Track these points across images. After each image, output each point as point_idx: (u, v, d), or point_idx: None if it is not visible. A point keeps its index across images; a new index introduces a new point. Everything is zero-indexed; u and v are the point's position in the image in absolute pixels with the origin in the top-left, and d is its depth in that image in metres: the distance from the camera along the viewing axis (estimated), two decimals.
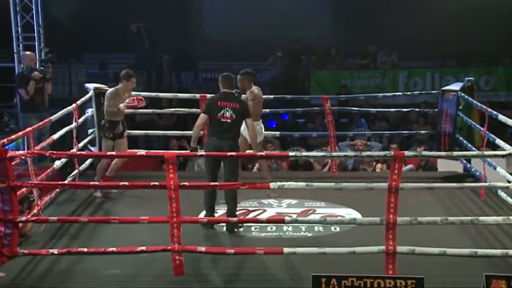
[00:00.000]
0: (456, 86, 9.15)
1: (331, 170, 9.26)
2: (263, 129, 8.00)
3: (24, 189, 6.35)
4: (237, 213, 7.01)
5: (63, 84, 14.40)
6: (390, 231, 5.63)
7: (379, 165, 9.91)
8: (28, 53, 9.65)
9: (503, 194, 7.35)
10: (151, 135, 10.41)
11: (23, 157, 6.04)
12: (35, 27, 10.39)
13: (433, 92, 10.48)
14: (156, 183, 5.74)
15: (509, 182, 7.01)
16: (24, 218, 5.90)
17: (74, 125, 7.96)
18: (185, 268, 5.66)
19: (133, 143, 10.16)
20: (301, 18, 15.24)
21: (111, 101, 7.87)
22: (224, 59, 14.67)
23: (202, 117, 6.88)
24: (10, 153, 5.63)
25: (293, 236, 6.74)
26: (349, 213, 7.34)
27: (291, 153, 6.83)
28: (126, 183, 5.99)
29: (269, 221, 6.60)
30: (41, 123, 7.38)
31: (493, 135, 7.57)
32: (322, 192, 7.57)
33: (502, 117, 7.15)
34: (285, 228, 6.87)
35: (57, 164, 7.63)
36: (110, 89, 8.03)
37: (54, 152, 5.98)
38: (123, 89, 7.96)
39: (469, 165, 8.69)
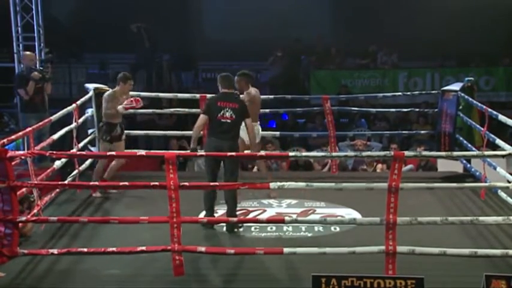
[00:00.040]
0: (456, 86, 9.16)
1: (331, 170, 9.26)
2: (260, 131, 8.00)
3: (24, 189, 6.35)
4: (237, 213, 7.01)
5: (63, 84, 14.40)
6: (390, 231, 5.63)
7: (379, 166, 9.91)
8: (28, 53, 9.65)
9: (503, 194, 7.35)
10: (151, 135, 10.42)
11: (23, 157, 6.04)
12: (35, 27, 10.39)
13: (433, 92, 10.48)
14: (156, 183, 5.74)
15: (509, 182, 7.01)
16: (24, 218, 5.90)
17: (74, 125, 7.96)
18: (185, 268, 5.66)
19: (133, 143, 10.17)
20: (301, 18, 15.24)
21: (109, 104, 7.88)
22: (224, 59, 14.67)
23: (202, 118, 6.88)
24: (10, 153, 5.63)
25: (293, 236, 6.74)
26: (349, 213, 7.34)
27: (291, 153, 6.84)
28: (126, 183, 5.99)
29: (269, 221, 6.59)
30: (41, 123, 7.38)
31: (493, 135, 7.57)
32: (322, 192, 7.56)
33: (502, 117, 7.15)
34: (285, 228, 6.87)
35: (57, 164, 7.63)
36: (108, 92, 8.04)
37: (54, 152, 5.99)
38: (121, 92, 7.96)
39: (469, 165, 8.69)
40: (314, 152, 10.01)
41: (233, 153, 6.41)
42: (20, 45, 10.44)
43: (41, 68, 9.56)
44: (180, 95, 10.01)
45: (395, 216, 5.62)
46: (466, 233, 6.59)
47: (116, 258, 5.88)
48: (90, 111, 8.66)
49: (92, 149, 8.52)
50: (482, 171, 7.81)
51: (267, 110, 9.60)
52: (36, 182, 6.57)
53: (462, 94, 8.83)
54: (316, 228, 6.88)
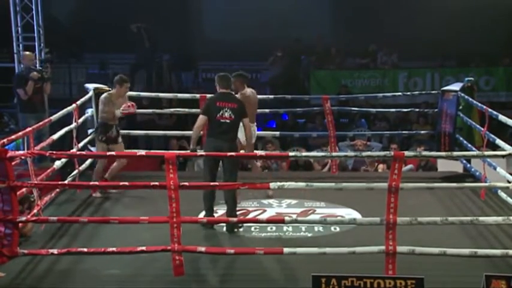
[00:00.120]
0: (456, 86, 9.16)
1: (331, 170, 9.26)
2: (256, 132, 7.99)
3: (24, 189, 6.35)
4: (237, 213, 7.01)
5: (63, 84, 14.39)
6: (390, 231, 5.63)
7: (381, 166, 9.90)
8: (27, 53, 9.64)
9: (503, 194, 7.35)
10: (151, 135, 10.42)
11: (23, 157, 6.04)
12: (35, 27, 10.38)
13: (433, 92, 10.48)
14: (156, 183, 5.74)
15: (509, 182, 7.01)
16: (24, 218, 5.90)
17: (73, 125, 7.97)
18: (185, 268, 5.66)
19: (133, 143, 10.19)
20: (301, 18, 15.23)
21: (105, 107, 7.88)
22: (224, 59, 14.67)
23: (202, 118, 6.88)
24: (10, 153, 5.63)
25: (293, 236, 6.74)
26: (349, 214, 7.34)
27: (291, 153, 6.84)
28: (126, 183, 6.00)
29: (269, 221, 6.59)
30: (40, 123, 7.38)
31: (493, 136, 7.57)
32: (322, 192, 7.57)
33: (502, 118, 7.15)
34: (285, 228, 6.87)
35: (57, 164, 7.63)
36: (104, 94, 8.02)
37: (54, 152, 5.99)
38: (117, 95, 7.96)
39: (469, 165, 8.69)
40: (314, 152, 10.01)
41: (233, 154, 6.41)
42: (20, 45, 10.43)
43: (40, 68, 9.55)
44: (180, 95, 10.02)
45: (396, 216, 5.62)
46: (466, 233, 6.59)
47: (116, 258, 5.88)
48: (90, 111, 8.67)
49: (92, 149, 8.51)
50: (482, 171, 7.81)
51: (267, 110, 9.61)
52: (36, 182, 6.57)
53: (462, 94, 8.83)
54: (316, 228, 6.88)
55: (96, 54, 15.34)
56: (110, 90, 8.16)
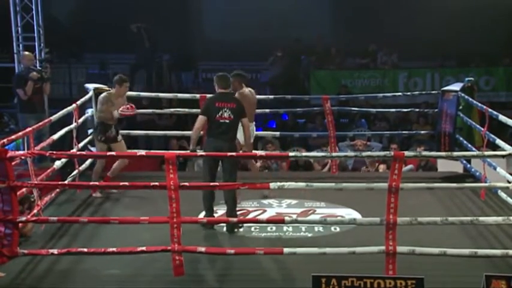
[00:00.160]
0: (456, 86, 9.16)
1: (331, 170, 9.26)
2: (254, 131, 7.99)
3: (24, 190, 6.35)
4: (237, 213, 7.01)
5: (63, 84, 14.40)
6: (390, 231, 5.63)
7: (381, 166, 9.90)
8: (27, 53, 9.64)
9: (503, 194, 7.35)
10: (151, 135, 10.41)
11: (23, 157, 6.04)
12: (35, 27, 10.38)
13: (433, 92, 10.48)
14: (156, 183, 5.74)
15: (509, 182, 7.01)
16: (24, 218, 5.90)
17: (73, 125, 7.97)
18: (185, 268, 5.66)
19: (133, 143, 10.17)
20: (301, 18, 15.24)
21: (103, 106, 7.86)
22: (224, 59, 14.66)
23: (201, 119, 6.88)
24: (10, 154, 5.63)
25: (293, 236, 6.74)
26: (349, 214, 7.34)
27: (291, 154, 6.85)
28: (126, 183, 5.99)
29: (269, 221, 6.59)
30: (40, 123, 7.38)
31: (493, 136, 7.57)
32: (322, 192, 7.56)
33: (502, 118, 7.15)
34: (285, 228, 6.87)
35: (57, 164, 7.63)
36: (103, 94, 8.01)
37: (54, 152, 5.99)
38: (116, 94, 7.95)
39: (469, 165, 8.69)
40: (314, 152, 10.02)
41: (233, 154, 6.41)
42: (20, 45, 10.43)
43: (40, 68, 9.55)
44: (180, 95, 10.01)
45: (396, 216, 5.62)
46: (466, 233, 6.59)
47: (116, 258, 5.88)
48: (90, 112, 8.66)
49: (92, 149, 8.51)
50: (482, 172, 7.81)
51: (267, 110, 9.61)
52: (36, 182, 6.57)
53: (462, 94, 8.83)
54: (316, 229, 6.88)
55: (96, 54, 15.34)
56: (109, 90, 8.15)
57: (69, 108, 7.91)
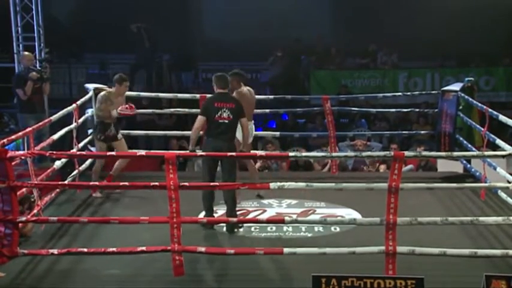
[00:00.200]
0: (456, 86, 9.16)
1: (331, 170, 9.25)
2: (254, 130, 7.99)
3: (24, 190, 6.35)
4: (237, 213, 7.01)
5: (63, 85, 14.41)
6: (390, 231, 5.63)
7: (382, 166, 9.90)
8: (26, 53, 9.65)
9: (503, 195, 7.35)
10: (151, 135, 10.42)
11: (23, 157, 6.04)
12: (35, 27, 10.38)
13: (433, 92, 10.48)
14: (156, 183, 5.73)
15: (509, 182, 7.01)
16: (24, 218, 5.90)
17: (74, 125, 7.97)
18: (185, 268, 5.66)
19: (133, 143, 10.17)
20: (301, 18, 15.24)
21: (102, 105, 7.86)
22: (224, 59, 14.66)
23: (200, 119, 6.88)
24: (10, 154, 5.63)
25: (293, 236, 6.74)
26: (349, 214, 7.34)
27: (291, 154, 6.85)
28: (126, 183, 5.99)
29: (269, 221, 6.59)
30: (40, 123, 7.38)
31: (493, 136, 7.57)
32: (322, 192, 7.56)
33: (502, 118, 7.15)
34: (285, 228, 6.87)
35: (57, 164, 7.63)
36: (102, 92, 8.01)
37: (54, 152, 5.99)
38: (116, 93, 7.94)
39: (469, 165, 8.69)
40: (314, 152, 10.02)
41: (233, 154, 6.41)
42: (20, 45, 10.43)
43: (39, 68, 9.54)
44: (180, 95, 10.01)
45: (396, 216, 5.62)
46: (466, 233, 6.59)
47: (116, 258, 5.88)
48: (90, 112, 8.66)
49: (92, 149, 8.51)
50: (482, 172, 7.81)
51: (267, 110, 9.61)
52: (36, 182, 6.57)
53: (462, 94, 8.83)
54: (316, 229, 6.88)
55: (96, 54, 15.35)
56: (103, 92, 8.13)
57: (69, 108, 7.90)
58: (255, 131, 8.56)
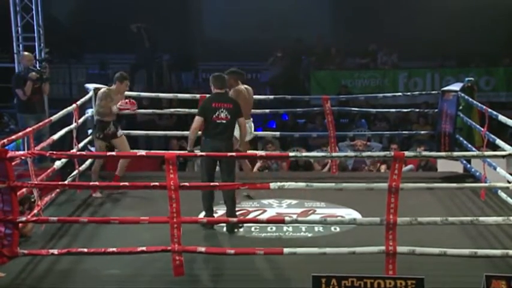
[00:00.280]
0: (456, 87, 9.16)
1: (331, 171, 9.25)
2: (252, 129, 7.98)
3: (24, 190, 6.35)
4: (237, 213, 7.01)
5: (63, 85, 14.41)
6: (390, 231, 5.63)
7: (383, 166, 9.90)
8: (26, 53, 9.64)
9: (503, 195, 7.35)
10: (151, 135, 10.42)
11: (23, 157, 6.04)
12: (35, 27, 10.38)
13: (433, 92, 10.48)
14: (156, 183, 5.74)
15: (509, 182, 7.01)
16: (24, 219, 5.90)
17: (74, 125, 7.97)
18: (185, 268, 5.66)
19: (133, 143, 10.17)
20: (301, 18, 15.25)
21: (102, 101, 7.86)
22: (224, 59, 14.63)
23: (198, 120, 6.87)
24: (10, 154, 5.63)
25: (293, 237, 6.74)
26: (349, 214, 7.34)
27: (291, 154, 6.85)
28: (127, 183, 6.00)
29: (269, 221, 6.59)
30: (40, 123, 7.38)
31: (493, 136, 7.57)
32: (322, 192, 7.56)
33: (502, 118, 7.15)
34: (285, 228, 6.87)
35: (57, 164, 7.63)
36: (102, 89, 8.01)
37: (54, 152, 5.99)
38: (116, 91, 7.94)
39: (469, 165, 8.69)
40: (314, 152, 10.02)
41: (233, 154, 6.41)
42: (20, 45, 10.43)
43: (39, 68, 9.54)
44: (180, 95, 10.01)
45: (396, 216, 5.62)
46: (466, 233, 6.59)
47: (116, 258, 5.88)
48: (90, 112, 8.66)
49: (92, 149, 8.52)
50: (482, 172, 7.81)
51: (267, 110, 9.61)
52: (36, 182, 6.57)
53: (462, 94, 8.83)
54: (316, 229, 6.88)
55: (96, 55, 15.35)
56: (103, 88, 8.12)
57: (69, 108, 7.91)
58: (255, 131, 8.57)
